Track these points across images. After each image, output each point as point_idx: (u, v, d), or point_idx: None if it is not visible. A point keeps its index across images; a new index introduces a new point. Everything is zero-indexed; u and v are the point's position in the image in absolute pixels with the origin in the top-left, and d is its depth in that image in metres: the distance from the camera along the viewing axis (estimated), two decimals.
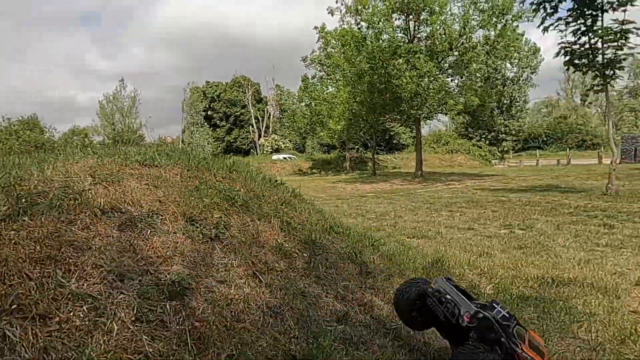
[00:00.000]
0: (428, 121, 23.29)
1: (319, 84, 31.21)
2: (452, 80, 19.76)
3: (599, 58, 10.42)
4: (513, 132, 43.41)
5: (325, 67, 29.07)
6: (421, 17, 18.71)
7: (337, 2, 19.74)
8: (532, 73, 47.06)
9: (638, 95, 67.63)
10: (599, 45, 10.39)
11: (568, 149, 59.65)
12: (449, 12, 18.05)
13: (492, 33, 17.92)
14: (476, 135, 43.39)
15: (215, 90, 63.94)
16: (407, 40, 19.05)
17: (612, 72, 10.41)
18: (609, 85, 10.63)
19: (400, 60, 16.55)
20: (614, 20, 10.47)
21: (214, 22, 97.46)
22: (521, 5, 13.50)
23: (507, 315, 1.94)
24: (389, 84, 17.37)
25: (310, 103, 28.93)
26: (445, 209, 9.83)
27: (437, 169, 32.14)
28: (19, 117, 35.18)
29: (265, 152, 55.46)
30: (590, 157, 45.83)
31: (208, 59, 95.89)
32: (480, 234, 6.69)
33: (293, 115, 34.00)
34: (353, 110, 20.91)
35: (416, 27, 18.92)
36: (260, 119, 64.36)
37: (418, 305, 2.23)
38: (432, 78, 16.03)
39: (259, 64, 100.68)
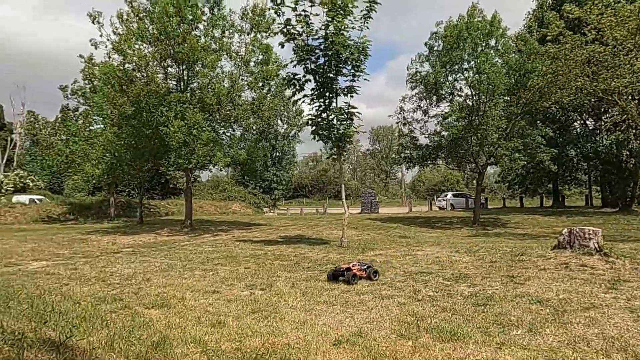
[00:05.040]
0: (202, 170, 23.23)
1: (81, 119, 27.46)
2: (223, 133, 20.44)
3: (335, 132, 12.49)
4: (283, 182, 47.75)
5: (89, 101, 25.87)
6: (195, 69, 18.96)
7: (101, 35, 18.06)
8: (298, 131, 53.71)
9: (375, 157, 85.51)
10: (335, 121, 12.51)
11: (328, 198, 69.54)
12: (221, 69, 18.94)
13: (265, 93, 19.62)
14: (251, 183, 45.81)
15: None
16: (179, 89, 18.86)
17: (343, 144, 12.64)
18: (341, 154, 12.82)
19: (168, 108, 16.13)
20: (345, 103, 12.96)
21: None
22: (276, 76, 15.43)
23: None
24: (157, 131, 16.64)
25: (68, 139, 25.02)
26: (200, 267, 9.62)
27: (212, 216, 32.11)
28: None
29: (4, 190, 44.32)
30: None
31: None
32: (223, 298, 6.69)
33: (47, 150, 28.68)
34: (116, 154, 18.98)
35: (189, 77, 19.00)
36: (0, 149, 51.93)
37: None
38: (201, 129, 16.16)
39: (6, 82, 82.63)
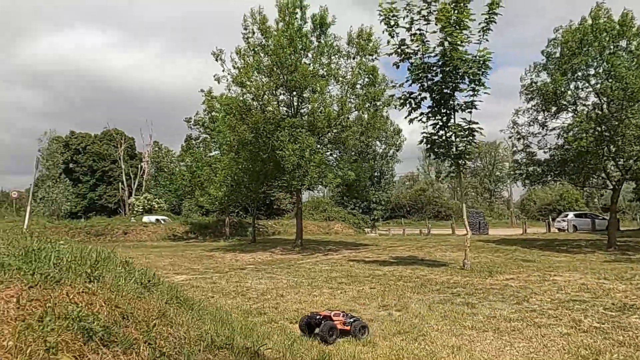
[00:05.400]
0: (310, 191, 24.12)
1: (202, 146, 30.42)
2: (330, 154, 21.04)
3: (453, 149, 12.08)
4: (382, 202, 47.35)
5: (209, 130, 28.60)
6: (304, 95, 19.95)
7: (223, 70, 19.95)
8: (397, 150, 53.20)
9: (478, 175, 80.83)
10: (453, 138, 12.12)
11: (427, 219, 67.30)
12: (329, 94, 19.65)
13: (366, 116, 19.99)
14: (351, 204, 46.18)
15: (81, 142, 57.92)
16: (290, 115, 19.95)
17: (463, 161, 12.14)
18: (461, 172, 12.32)
19: (284, 133, 17.12)
20: (463, 119, 12.51)
21: (88, 66, 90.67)
22: (391, 97, 15.22)
23: None
24: (272, 154, 17.72)
25: (192, 165, 27.83)
26: (326, 285, 9.83)
27: (315, 236, 32.94)
28: None
29: (135, 212, 50.68)
30: (445, 227, 52.34)
31: (76, 105, 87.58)
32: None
33: (171, 175, 32.12)
34: (235, 177, 20.60)
35: (299, 103, 20.03)
36: (132, 176, 59.55)
37: None
38: (313, 152, 16.83)
39: (136, 117, 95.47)
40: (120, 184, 58.70)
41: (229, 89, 20.51)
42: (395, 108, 19.73)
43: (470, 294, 8.26)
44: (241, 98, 19.21)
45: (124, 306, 2.41)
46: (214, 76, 20.35)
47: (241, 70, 19.19)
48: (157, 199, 53.22)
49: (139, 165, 61.88)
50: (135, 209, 51.04)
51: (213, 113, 28.54)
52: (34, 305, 1.94)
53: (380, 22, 12.36)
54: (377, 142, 48.31)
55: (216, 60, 20.04)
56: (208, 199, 22.49)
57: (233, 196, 21.86)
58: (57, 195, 44.54)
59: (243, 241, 27.84)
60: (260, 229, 34.66)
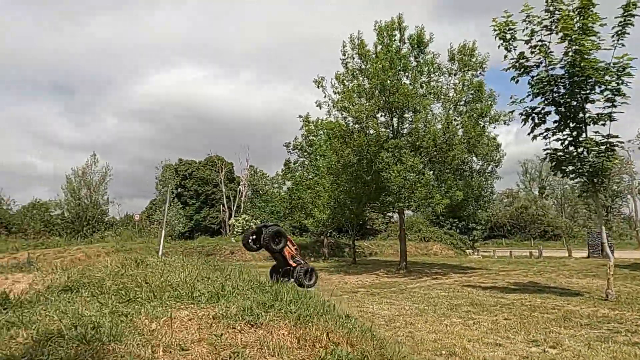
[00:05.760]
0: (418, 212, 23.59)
1: (300, 169, 31.61)
2: (433, 173, 20.44)
3: (587, 166, 10.98)
4: (482, 221, 44.61)
5: (307, 154, 29.65)
6: (404, 115, 19.80)
7: (325, 96, 20.63)
8: (496, 166, 49.98)
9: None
10: (585, 154, 11.05)
11: (532, 239, 61.93)
12: (431, 112, 19.22)
13: (472, 133, 19.16)
14: (447, 224, 44.23)
15: (188, 168, 63.72)
16: (391, 136, 19.87)
17: (600, 179, 10.98)
18: (597, 191, 11.14)
19: (388, 154, 17.07)
20: (595, 132, 11.37)
21: (189, 98, 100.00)
22: (510, 113, 14.03)
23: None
24: (376, 176, 17.72)
25: (293, 188, 29.02)
26: (453, 314, 9.39)
27: (415, 257, 32.01)
28: None
29: (235, 232, 53.86)
30: (555, 247, 47.57)
31: (182, 135, 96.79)
32: (513, 353, 6.25)
33: (268, 197, 33.72)
34: (338, 200, 20.97)
35: (400, 123, 19.89)
36: (231, 198, 63.73)
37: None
38: (419, 172, 16.50)
39: (234, 143, 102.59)
40: (221, 206, 63.10)
41: (330, 114, 21.12)
42: (505, 124, 18.86)
43: (633, 332, 7.29)
44: (342, 122, 19.64)
45: (358, 344, 2.48)
46: (316, 102, 21.14)
47: (342, 95, 19.66)
48: (254, 220, 56.03)
49: (237, 189, 66.09)
50: (235, 230, 54.30)
51: (311, 137, 29.58)
52: (309, 344, 2.08)
53: (495, 37, 11.90)
54: (474, 158, 46.01)
55: (318, 87, 20.83)
56: (313, 221, 23.16)
57: (336, 218, 22.24)
58: (171, 217, 49.14)
59: (342, 262, 27.99)
60: (357, 250, 34.66)
